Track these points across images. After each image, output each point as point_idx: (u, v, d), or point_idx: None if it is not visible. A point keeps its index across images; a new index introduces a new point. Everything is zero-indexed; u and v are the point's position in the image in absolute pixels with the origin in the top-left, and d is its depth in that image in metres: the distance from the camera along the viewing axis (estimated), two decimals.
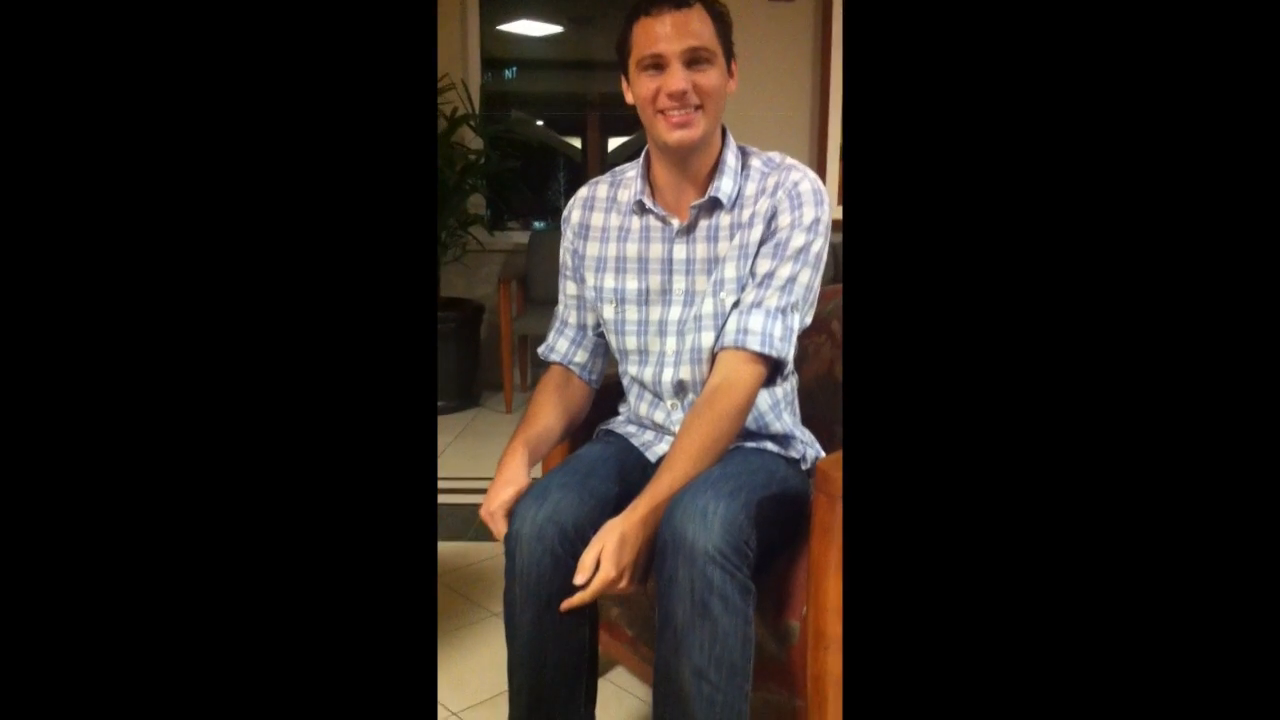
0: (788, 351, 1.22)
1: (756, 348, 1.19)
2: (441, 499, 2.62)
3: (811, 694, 1.18)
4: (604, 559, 1.05)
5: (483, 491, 2.75)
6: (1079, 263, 0.59)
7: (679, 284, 1.27)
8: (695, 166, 1.24)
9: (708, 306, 1.25)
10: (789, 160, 1.26)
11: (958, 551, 0.61)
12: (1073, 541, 0.58)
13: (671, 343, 1.28)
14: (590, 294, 1.34)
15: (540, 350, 1.42)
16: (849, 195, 0.68)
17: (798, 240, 1.21)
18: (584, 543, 1.10)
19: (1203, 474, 0.55)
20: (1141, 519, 0.57)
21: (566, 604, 1.09)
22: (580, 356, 1.39)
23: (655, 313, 1.29)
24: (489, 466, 2.84)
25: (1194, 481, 0.56)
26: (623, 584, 1.07)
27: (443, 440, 3.20)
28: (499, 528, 1.21)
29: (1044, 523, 0.59)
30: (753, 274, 1.23)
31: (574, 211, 1.36)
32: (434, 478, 0.71)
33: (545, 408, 1.35)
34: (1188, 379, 0.56)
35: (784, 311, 1.21)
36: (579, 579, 1.06)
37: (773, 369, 1.23)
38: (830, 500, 1.12)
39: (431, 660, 0.67)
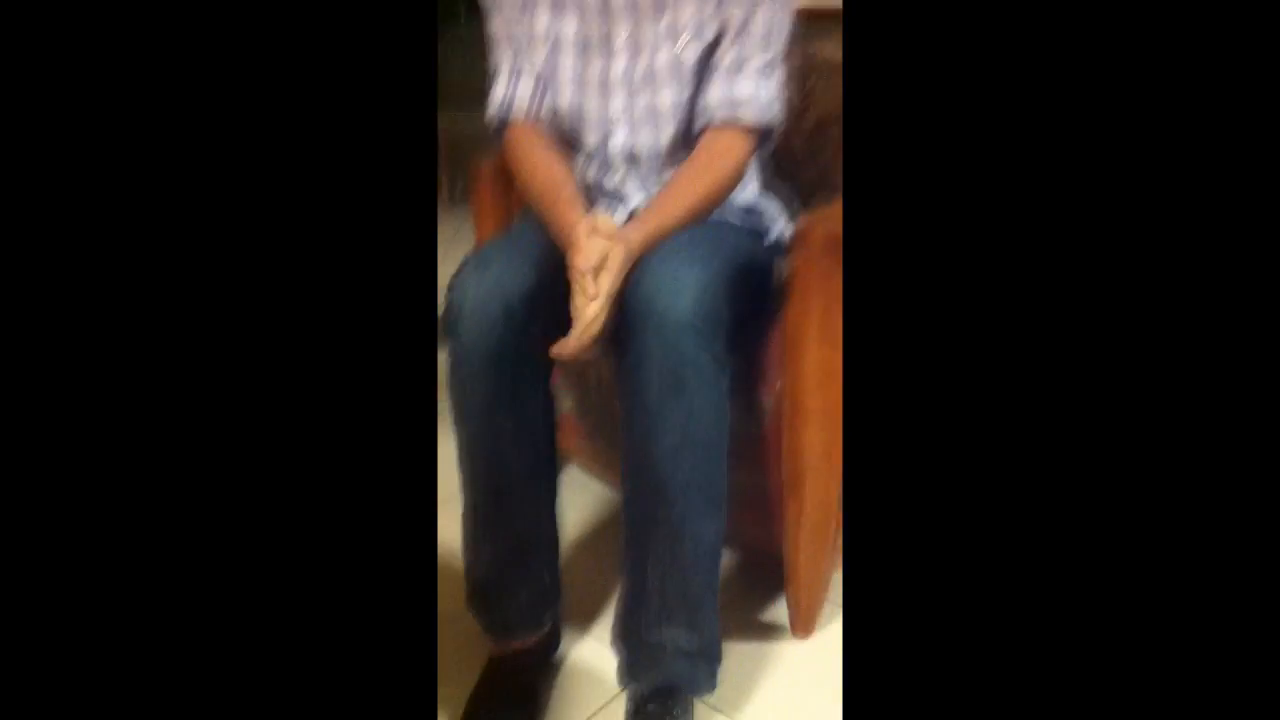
0: (780, 112, 1.09)
1: (753, 120, 1.06)
2: None
3: (788, 472, 1.11)
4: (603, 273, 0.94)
5: None
6: (1076, 226, 0.54)
7: (621, 29, 1.09)
8: None
9: (662, 59, 1.08)
10: None
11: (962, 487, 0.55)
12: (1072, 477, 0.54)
13: (618, 102, 1.11)
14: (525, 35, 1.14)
15: (492, 111, 1.15)
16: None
17: None
18: (533, 319, 0.98)
19: (1204, 427, 0.53)
20: (1145, 459, 0.53)
21: (555, 349, 0.94)
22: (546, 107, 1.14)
23: (595, 66, 1.11)
24: None
25: (1196, 429, 0.53)
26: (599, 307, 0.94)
27: None
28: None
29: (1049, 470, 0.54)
30: (723, 26, 1.06)
31: None
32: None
33: (546, 157, 1.11)
34: (1193, 339, 0.53)
35: (769, 67, 1.07)
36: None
37: (764, 135, 1.10)
38: (809, 260, 1.02)
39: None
